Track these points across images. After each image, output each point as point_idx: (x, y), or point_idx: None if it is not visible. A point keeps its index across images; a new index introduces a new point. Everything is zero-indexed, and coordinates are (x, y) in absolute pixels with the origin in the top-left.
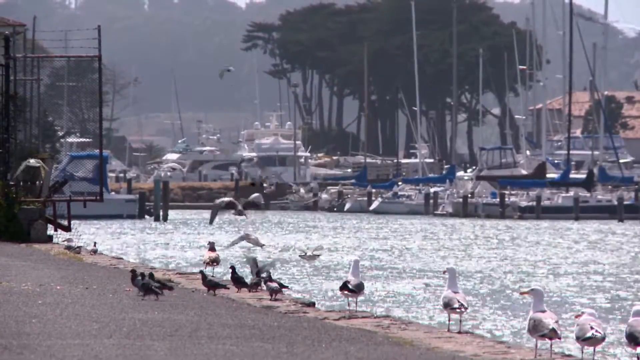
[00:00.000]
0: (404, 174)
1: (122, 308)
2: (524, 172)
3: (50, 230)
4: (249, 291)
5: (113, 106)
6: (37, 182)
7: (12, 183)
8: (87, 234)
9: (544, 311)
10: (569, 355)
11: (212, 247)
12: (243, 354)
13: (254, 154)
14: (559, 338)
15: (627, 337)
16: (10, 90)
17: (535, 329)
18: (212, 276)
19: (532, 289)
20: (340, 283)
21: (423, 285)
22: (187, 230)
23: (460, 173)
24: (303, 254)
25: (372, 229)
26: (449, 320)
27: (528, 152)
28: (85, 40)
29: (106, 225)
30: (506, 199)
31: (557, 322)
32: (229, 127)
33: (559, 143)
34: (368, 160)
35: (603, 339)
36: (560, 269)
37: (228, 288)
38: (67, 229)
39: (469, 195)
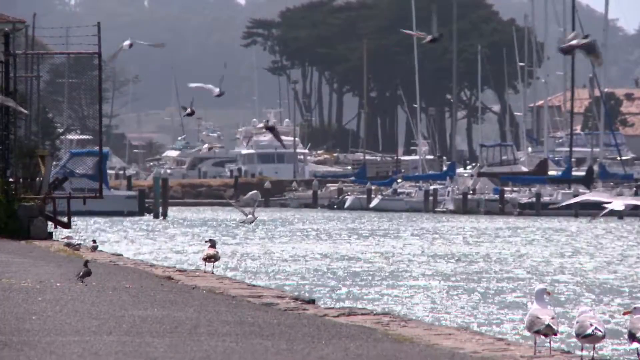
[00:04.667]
0: (403, 171)
1: (122, 305)
2: (525, 169)
3: (50, 227)
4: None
5: (113, 103)
6: (37, 179)
7: (12, 180)
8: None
9: (542, 308)
10: (569, 352)
11: (212, 244)
12: (243, 351)
13: (252, 151)
14: (555, 334)
15: (628, 334)
16: (10, 87)
17: (532, 325)
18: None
19: (536, 289)
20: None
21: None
22: (187, 227)
23: (459, 170)
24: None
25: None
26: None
27: (530, 149)
28: (86, 37)
29: (107, 221)
30: (506, 196)
31: (553, 318)
32: (228, 124)
33: (560, 140)
34: (368, 157)
35: (603, 336)
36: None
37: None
38: (67, 225)
39: (471, 192)
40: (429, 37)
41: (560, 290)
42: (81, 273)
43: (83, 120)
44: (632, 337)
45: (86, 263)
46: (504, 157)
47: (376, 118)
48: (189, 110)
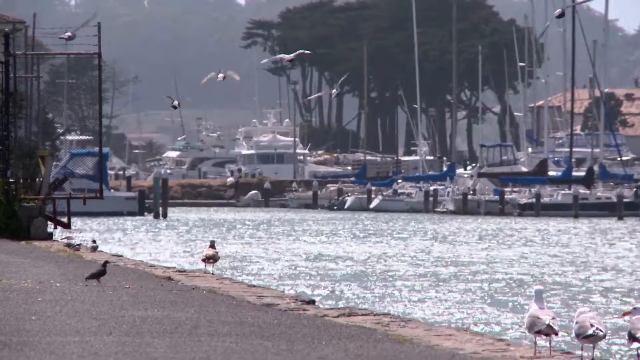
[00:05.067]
0: (403, 171)
1: (122, 305)
2: (524, 169)
3: (50, 228)
4: None
5: (113, 103)
6: (37, 179)
7: (12, 180)
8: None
9: (542, 308)
10: (569, 352)
11: (212, 245)
12: (243, 351)
13: (252, 152)
14: (556, 334)
15: (627, 334)
16: (10, 88)
17: (532, 325)
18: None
19: (534, 290)
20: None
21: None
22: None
23: (459, 170)
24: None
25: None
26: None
27: (530, 150)
28: (86, 38)
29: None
30: (506, 196)
31: (554, 318)
32: (228, 125)
33: (560, 140)
34: (368, 157)
35: (604, 336)
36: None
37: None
38: (67, 226)
39: (472, 192)
40: (559, 11)
41: (559, 291)
42: (91, 273)
43: (83, 121)
44: (631, 338)
45: (105, 264)
46: (503, 158)
47: (376, 118)
48: (175, 103)
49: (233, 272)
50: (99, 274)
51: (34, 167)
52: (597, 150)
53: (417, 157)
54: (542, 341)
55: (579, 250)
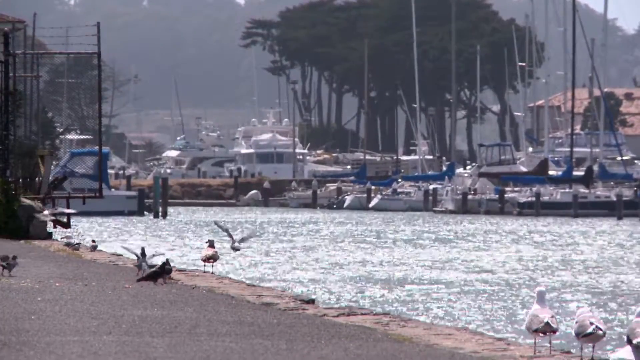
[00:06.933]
0: (402, 171)
1: (122, 305)
2: (524, 169)
3: (50, 227)
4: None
5: (112, 103)
6: (37, 179)
7: (12, 179)
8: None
9: (542, 308)
10: (568, 352)
11: (211, 244)
12: (242, 351)
13: (251, 151)
14: (554, 332)
15: (627, 339)
16: (9, 87)
17: (531, 324)
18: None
19: (537, 291)
20: None
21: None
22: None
23: (459, 170)
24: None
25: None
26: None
27: (530, 149)
28: (85, 37)
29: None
30: (505, 195)
31: (553, 317)
32: (228, 124)
33: (560, 140)
34: (367, 157)
35: (604, 335)
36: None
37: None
38: (67, 225)
39: (472, 192)
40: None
41: (559, 291)
42: (146, 275)
43: (82, 120)
44: (630, 343)
45: (166, 263)
46: (502, 157)
47: (376, 118)
48: None
49: (232, 271)
50: (154, 275)
51: (33, 166)
52: (597, 149)
53: (417, 157)
54: (541, 341)
55: (577, 250)
